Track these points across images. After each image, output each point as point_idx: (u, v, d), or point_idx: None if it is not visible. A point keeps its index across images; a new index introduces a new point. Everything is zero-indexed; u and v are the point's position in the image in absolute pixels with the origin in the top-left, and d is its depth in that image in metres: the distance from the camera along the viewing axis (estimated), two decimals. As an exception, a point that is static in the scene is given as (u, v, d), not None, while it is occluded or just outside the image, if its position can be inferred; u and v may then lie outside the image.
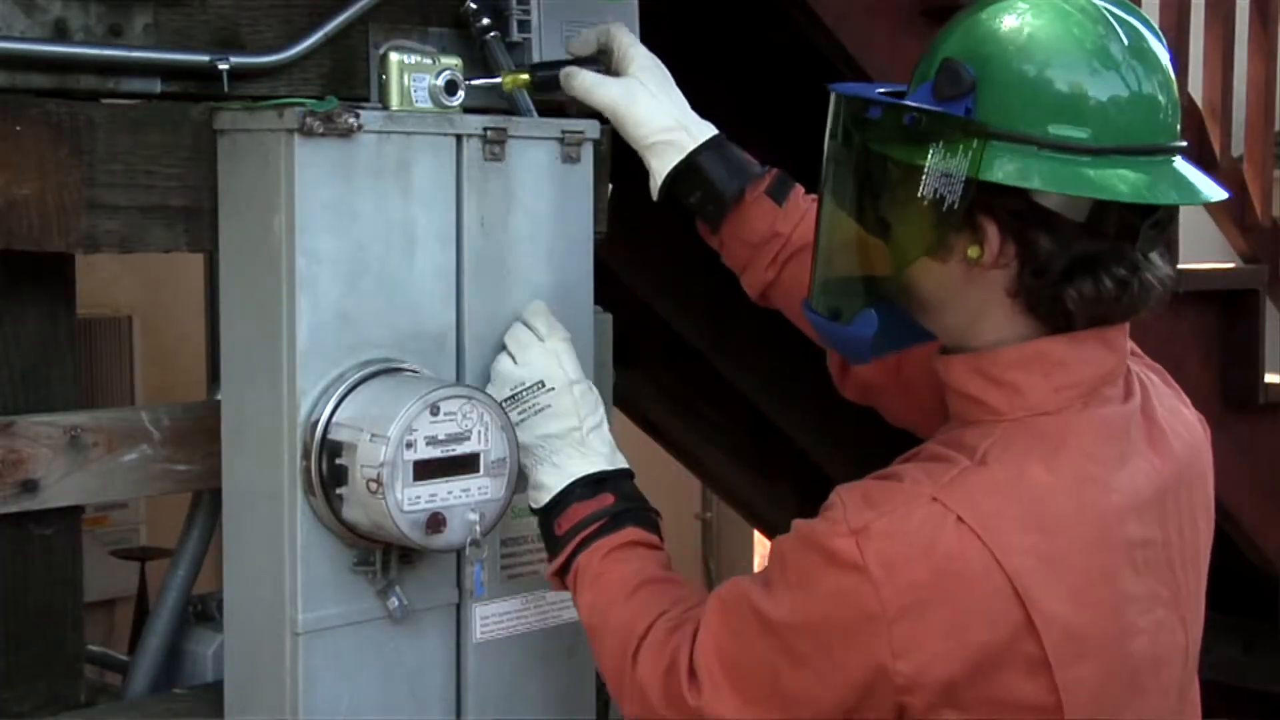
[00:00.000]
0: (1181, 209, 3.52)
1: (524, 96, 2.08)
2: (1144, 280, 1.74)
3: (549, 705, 2.07)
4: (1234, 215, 3.69)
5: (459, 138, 1.92)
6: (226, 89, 1.91)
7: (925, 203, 1.70)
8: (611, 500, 1.89)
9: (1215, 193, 1.79)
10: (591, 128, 2.04)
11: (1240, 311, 3.62)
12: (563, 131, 2.02)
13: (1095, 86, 1.70)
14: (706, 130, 2.06)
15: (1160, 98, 1.74)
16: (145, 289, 4.59)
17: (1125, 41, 1.72)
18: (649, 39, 2.20)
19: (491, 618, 1.99)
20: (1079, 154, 1.68)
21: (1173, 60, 1.79)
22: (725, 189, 2.07)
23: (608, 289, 2.12)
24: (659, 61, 2.07)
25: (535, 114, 2.07)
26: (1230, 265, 3.73)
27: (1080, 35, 1.72)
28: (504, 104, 2.08)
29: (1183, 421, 1.90)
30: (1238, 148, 3.72)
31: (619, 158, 2.18)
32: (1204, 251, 3.75)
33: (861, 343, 1.84)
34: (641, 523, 1.91)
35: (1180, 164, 1.77)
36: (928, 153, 1.70)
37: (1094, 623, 1.70)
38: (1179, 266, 3.46)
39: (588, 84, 2.02)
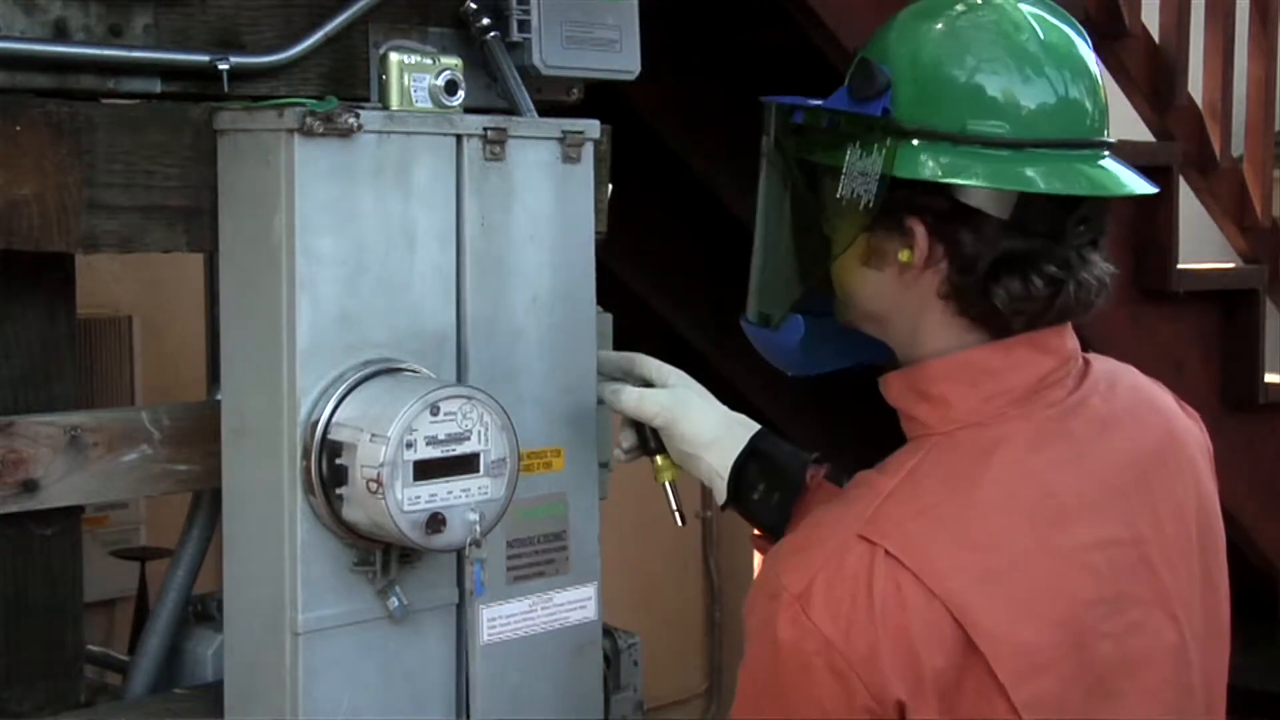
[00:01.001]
0: (1181, 211, 3.53)
1: (524, 96, 2.07)
2: (1080, 279, 1.73)
3: (557, 707, 2.06)
4: (1234, 215, 3.69)
5: (459, 138, 1.92)
6: (226, 89, 1.91)
7: (844, 203, 1.71)
8: None
9: (1140, 187, 1.78)
10: (592, 127, 2.04)
11: (1240, 311, 3.62)
12: (563, 131, 2.02)
13: (1012, 82, 1.70)
14: (754, 425, 2.04)
15: (1080, 97, 1.74)
16: (145, 289, 4.58)
17: (1043, 39, 1.73)
18: (648, 39, 2.20)
19: (499, 619, 1.99)
20: (997, 148, 1.68)
21: (1100, 61, 1.79)
22: (791, 465, 2.03)
23: (608, 288, 2.12)
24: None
25: (535, 114, 2.07)
26: (1230, 265, 3.73)
27: (998, 34, 1.73)
28: (504, 104, 2.08)
29: (1159, 413, 1.89)
30: (1238, 148, 3.72)
31: (619, 157, 2.18)
32: (1204, 251, 3.75)
33: (790, 350, 1.86)
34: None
35: (1107, 161, 1.76)
36: (845, 153, 1.71)
37: (1042, 634, 1.67)
38: (1179, 266, 3.46)
39: (635, 396, 2.01)
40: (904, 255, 1.72)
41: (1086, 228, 1.74)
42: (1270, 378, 3.66)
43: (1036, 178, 1.68)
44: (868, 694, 1.62)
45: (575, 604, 1.98)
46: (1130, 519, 1.77)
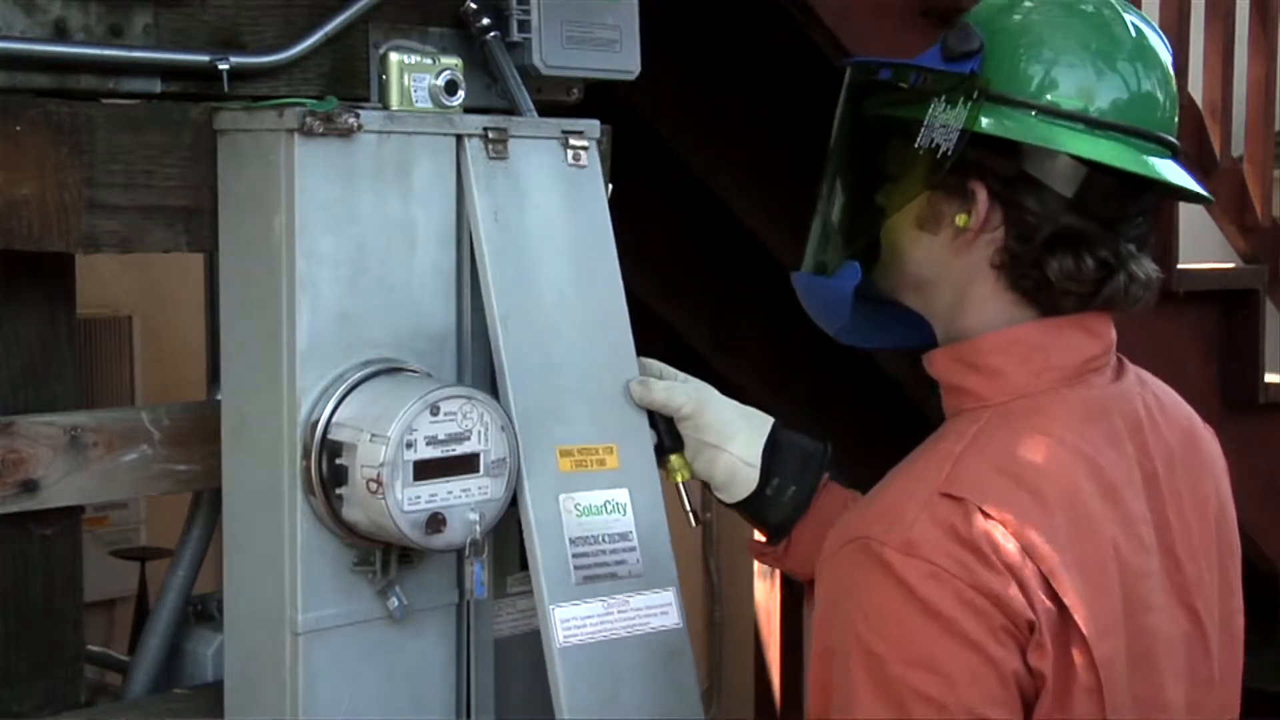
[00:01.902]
0: (1181, 211, 3.52)
1: (524, 96, 2.07)
2: (1130, 272, 1.77)
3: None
4: (1234, 215, 3.68)
5: (459, 137, 1.92)
6: (226, 89, 1.91)
7: (920, 153, 1.75)
8: None
9: (1201, 191, 1.85)
10: (592, 127, 2.04)
11: (1240, 311, 3.62)
12: (563, 131, 2.02)
13: (1096, 65, 1.76)
14: (768, 417, 2.07)
15: (1159, 95, 1.80)
16: (145, 289, 4.59)
17: (1131, 32, 1.78)
18: (648, 39, 2.20)
19: (573, 621, 1.94)
20: (1074, 121, 1.73)
21: (1173, 62, 1.83)
22: (811, 457, 2.08)
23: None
24: None
25: (535, 113, 2.07)
26: (1230, 265, 3.73)
27: (1090, 18, 1.78)
28: (504, 104, 2.07)
29: (1180, 417, 1.92)
30: (1238, 148, 3.72)
31: (619, 158, 2.17)
32: (1204, 251, 3.75)
33: (842, 300, 1.85)
34: None
35: (1170, 160, 1.81)
36: (929, 107, 1.75)
37: (1108, 596, 1.71)
38: (1179, 266, 3.46)
39: (664, 387, 2.03)
40: (961, 219, 1.75)
41: (1143, 221, 1.80)
42: (1270, 378, 3.66)
43: (1114, 157, 1.73)
44: (1002, 615, 1.63)
45: (655, 609, 1.96)
46: (1159, 506, 1.81)
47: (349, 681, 1.88)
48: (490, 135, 1.94)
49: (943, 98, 1.75)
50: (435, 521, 1.80)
